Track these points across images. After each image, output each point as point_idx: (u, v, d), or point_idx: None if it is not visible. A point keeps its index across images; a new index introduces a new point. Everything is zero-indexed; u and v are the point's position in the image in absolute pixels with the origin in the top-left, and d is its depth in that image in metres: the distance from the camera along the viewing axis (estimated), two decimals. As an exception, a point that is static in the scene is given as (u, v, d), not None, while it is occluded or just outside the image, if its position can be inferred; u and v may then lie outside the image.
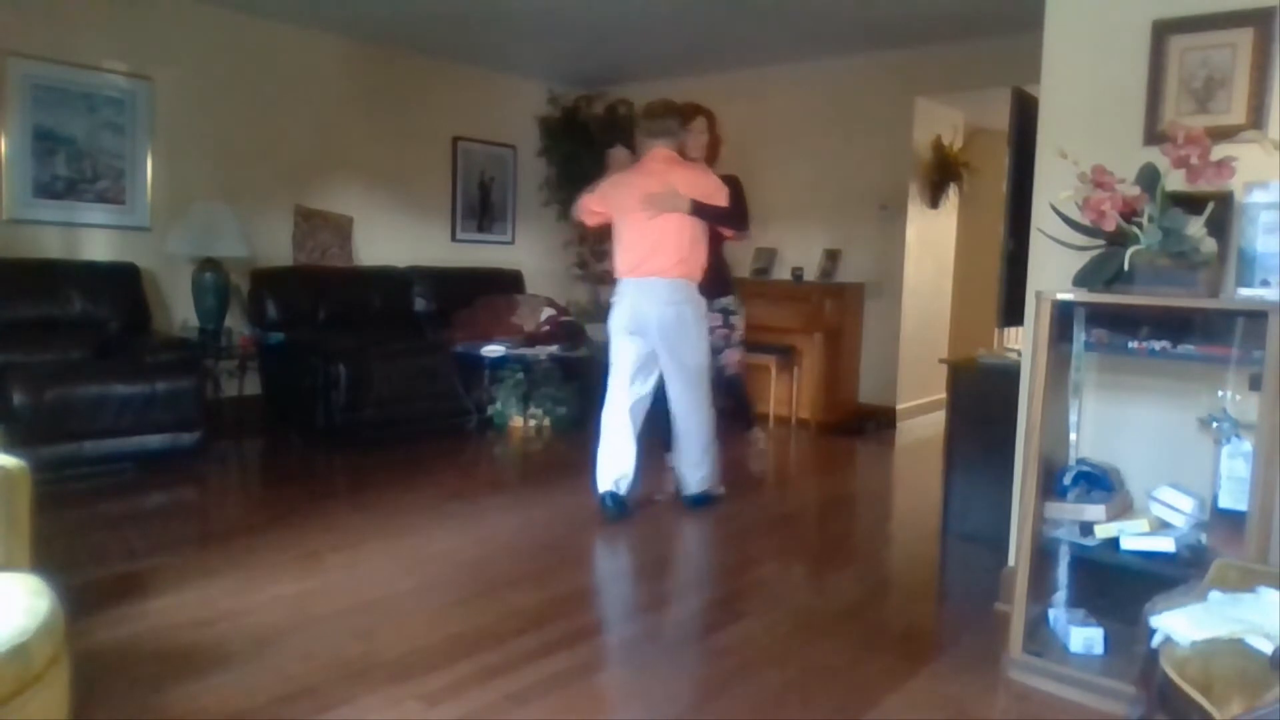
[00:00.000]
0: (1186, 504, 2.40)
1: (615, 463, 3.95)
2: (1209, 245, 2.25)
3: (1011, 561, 2.83)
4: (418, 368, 5.52)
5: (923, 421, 6.39)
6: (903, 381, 6.38)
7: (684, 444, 4.07)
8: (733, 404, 4.79)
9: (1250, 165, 2.30)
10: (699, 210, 3.89)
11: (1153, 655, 1.70)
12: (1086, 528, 2.47)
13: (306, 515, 3.80)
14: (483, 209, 7.26)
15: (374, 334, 5.84)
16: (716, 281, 4.31)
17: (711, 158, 4.34)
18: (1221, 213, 2.33)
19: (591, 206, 4.13)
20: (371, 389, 5.23)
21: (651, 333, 3.93)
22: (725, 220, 4.09)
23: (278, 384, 5.56)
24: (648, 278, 3.91)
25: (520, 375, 5.73)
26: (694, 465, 4.07)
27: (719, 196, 3.96)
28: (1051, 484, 2.57)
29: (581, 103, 7.50)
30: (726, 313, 4.65)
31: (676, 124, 4.04)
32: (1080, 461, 2.67)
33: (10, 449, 2.09)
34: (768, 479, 4.97)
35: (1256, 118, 2.47)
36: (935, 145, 6.42)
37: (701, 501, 4.10)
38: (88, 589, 2.84)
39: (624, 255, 3.98)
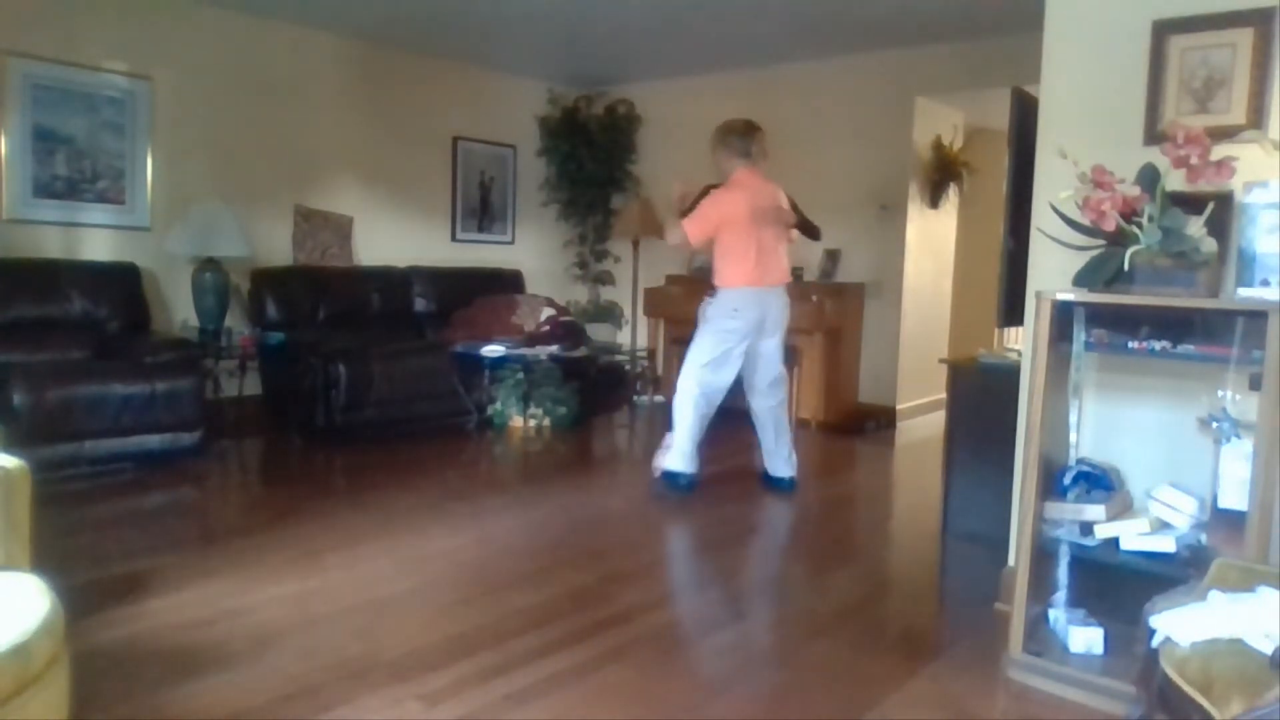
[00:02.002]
0: (1186, 504, 2.40)
1: (698, 449, 4.34)
2: (1209, 245, 2.25)
3: (1011, 561, 2.83)
4: (418, 368, 5.53)
5: (923, 421, 6.39)
6: (903, 381, 6.38)
7: (780, 438, 4.44)
8: None
9: (1250, 165, 2.30)
10: (800, 223, 4.44)
11: (1153, 655, 1.70)
12: (1086, 528, 2.47)
13: (306, 515, 3.80)
14: (483, 209, 7.26)
15: (374, 334, 5.85)
16: None
17: (762, 169, 4.69)
18: (1221, 213, 2.33)
19: (699, 228, 4.25)
20: (371, 389, 5.23)
21: (769, 334, 4.32)
22: (812, 232, 4.64)
23: (278, 384, 5.55)
24: (773, 286, 4.29)
25: (520, 375, 5.73)
26: (788, 456, 4.46)
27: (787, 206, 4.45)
28: (1051, 484, 2.57)
29: (581, 103, 7.51)
30: None
31: (759, 146, 4.39)
32: (1080, 461, 2.67)
33: (10, 449, 2.09)
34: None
35: (1256, 118, 2.47)
36: (935, 145, 6.42)
37: (792, 485, 4.47)
38: (88, 589, 2.84)
39: (745, 265, 4.23)
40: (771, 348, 4.37)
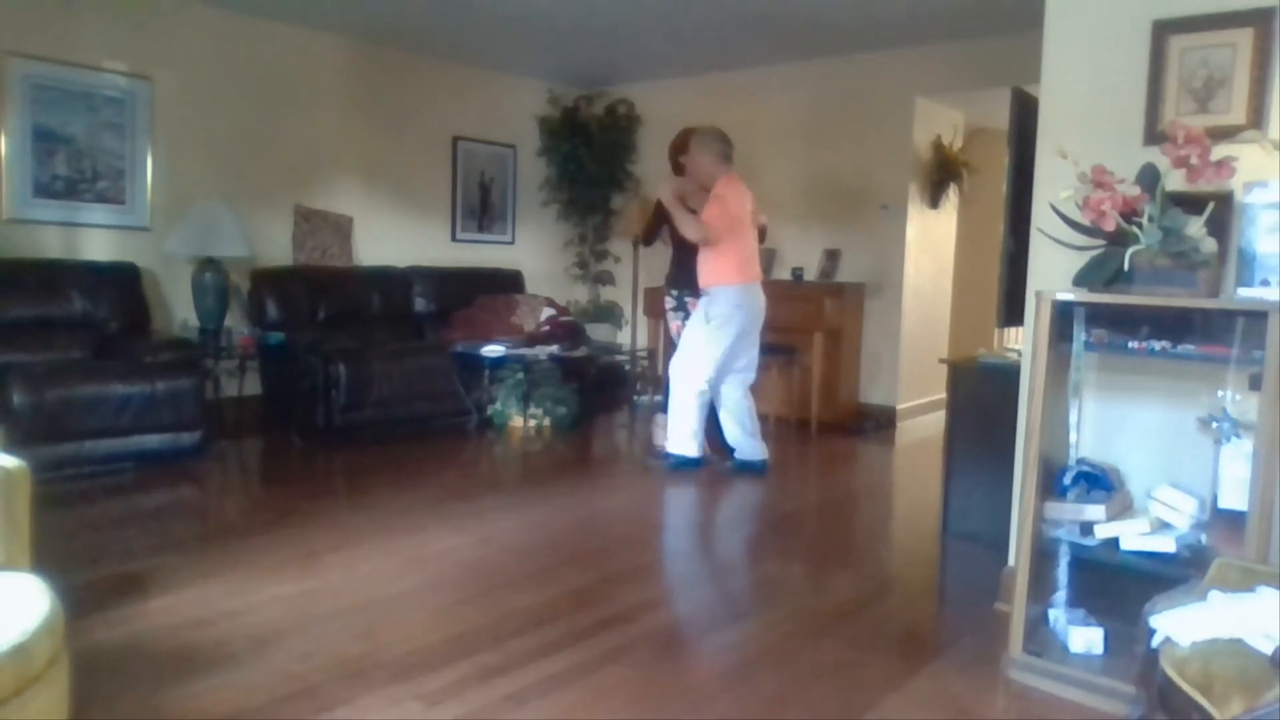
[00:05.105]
0: (1186, 504, 2.40)
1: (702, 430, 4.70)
2: (1209, 245, 2.25)
3: (1011, 561, 2.83)
4: (418, 368, 5.53)
5: (923, 421, 6.39)
6: (903, 381, 6.38)
7: (747, 426, 4.69)
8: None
9: (1250, 165, 2.30)
10: (763, 226, 4.85)
11: (1153, 655, 1.70)
12: (1086, 528, 2.47)
13: (306, 515, 3.80)
14: (483, 209, 7.26)
15: (374, 334, 5.85)
16: None
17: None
18: (1221, 213, 2.33)
19: (722, 224, 4.45)
20: (371, 389, 5.23)
21: (756, 328, 4.61)
22: (764, 236, 5.00)
23: (278, 384, 5.56)
24: (758, 282, 4.61)
25: (520, 375, 5.73)
26: (757, 442, 4.72)
27: None
28: (1051, 484, 2.57)
29: (581, 103, 7.51)
30: None
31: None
32: (1080, 461, 2.67)
33: (10, 449, 2.09)
34: (768, 478, 4.96)
35: (1256, 118, 2.47)
36: (935, 145, 6.42)
37: (764, 468, 4.72)
38: (88, 589, 2.84)
39: (742, 264, 4.51)
40: (756, 342, 4.68)
